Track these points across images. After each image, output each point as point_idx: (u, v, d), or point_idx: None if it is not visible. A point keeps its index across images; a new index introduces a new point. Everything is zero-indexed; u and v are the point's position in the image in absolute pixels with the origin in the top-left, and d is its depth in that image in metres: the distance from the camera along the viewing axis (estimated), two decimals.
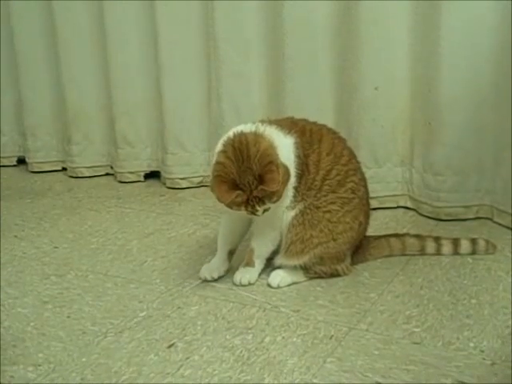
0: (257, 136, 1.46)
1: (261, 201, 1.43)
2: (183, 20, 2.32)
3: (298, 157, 1.50)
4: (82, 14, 2.50)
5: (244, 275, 1.57)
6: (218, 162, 1.45)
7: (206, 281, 1.59)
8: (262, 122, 1.53)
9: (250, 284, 1.56)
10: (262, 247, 1.57)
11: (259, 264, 1.58)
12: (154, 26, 2.34)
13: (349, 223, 1.55)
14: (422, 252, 1.69)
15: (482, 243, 1.68)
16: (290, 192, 1.50)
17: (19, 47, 2.65)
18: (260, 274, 1.59)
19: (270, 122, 1.54)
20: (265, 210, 1.46)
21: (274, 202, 1.45)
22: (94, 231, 2.01)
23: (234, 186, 1.41)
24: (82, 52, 2.54)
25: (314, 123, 1.61)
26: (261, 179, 1.40)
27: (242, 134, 1.46)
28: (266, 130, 1.48)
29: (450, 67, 1.87)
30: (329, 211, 1.53)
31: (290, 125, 1.55)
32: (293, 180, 1.49)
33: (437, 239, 1.70)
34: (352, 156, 1.60)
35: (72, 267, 1.73)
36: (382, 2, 1.92)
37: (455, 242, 1.68)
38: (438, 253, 1.68)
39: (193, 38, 2.33)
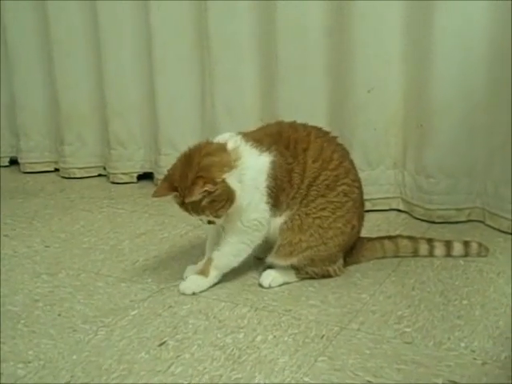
0: (217, 148, 1.48)
1: (193, 210, 1.45)
2: (177, 22, 2.32)
3: (272, 177, 1.49)
4: (75, 16, 2.51)
5: (192, 284, 1.53)
6: (175, 162, 1.51)
7: None
8: (244, 135, 1.53)
9: (193, 294, 1.52)
10: (222, 258, 1.53)
11: (216, 276, 1.54)
12: (148, 27, 2.35)
13: (340, 228, 1.54)
14: (415, 254, 1.69)
15: (474, 246, 1.69)
16: (261, 206, 1.49)
17: (12, 47, 2.65)
18: (210, 287, 1.54)
19: (250, 136, 1.52)
20: (209, 222, 1.49)
21: (214, 217, 1.46)
22: (86, 231, 2.00)
23: (174, 187, 1.45)
24: (76, 53, 2.54)
25: (304, 127, 1.59)
26: (187, 194, 1.42)
27: (206, 143, 1.51)
28: (241, 146, 1.48)
29: (443, 70, 1.88)
30: (319, 217, 1.52)
31: (275, 136, 1.54)
32: (264, 196, 1.48)
33: (430, 241, 1.70)
34: (343, 158, 1.58)
35: (63, 266, 1.72)
36: (375, 5, 1.93)
37: (448, 245, 1.69)
38: (431, 255, 1.69)
39: (186, 40, 2.34)
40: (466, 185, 1.95)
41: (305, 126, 1.60)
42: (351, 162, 1.61)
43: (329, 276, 1.58)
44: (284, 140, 1.54)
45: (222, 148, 1.48)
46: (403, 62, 1.97)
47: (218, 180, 1.43)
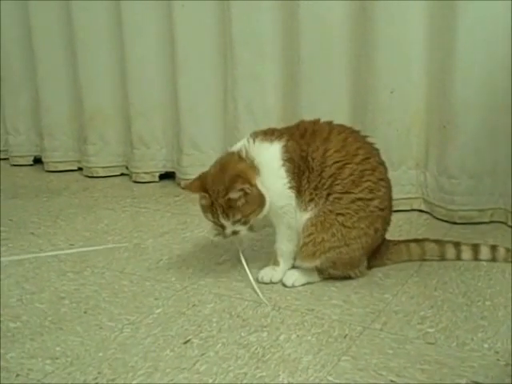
0: (241, 159, 1.53)
1: (224, 212, 1.48)
2: (199, 22, 2.34)
3: (288, 160, 1.52)
4: (99, 15, 2.54)
5: (267, 273, 1.59)
6: (208, 169, 1.58)
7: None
8: (252, 134, 1.58)
9: (271, 282, 1.57)
10: (281, 246, 1.59)
11: (283, 263, 1.59)
12: (171, 27, 2.37)
13: (363, 229, 1.53)
14: (442, 258, 1.67)
15: (502, 251, 1.66)
16: (286, 192, 1.52)
17: (37, 47, 2.70)
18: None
19: (260, 133, 1.57)
20: (234, 233, 1.52)
21: (242, 224, 1.50)
22: (110, 230, 2.03)
23: (204, 188, 1.51)
24: (100, 53, 2.58)
25: (328, 123, 1.60)
26: (227, 191, 1.47)
27: (231, 154, 1.56)
28: (250, 149, 1.54)
29: (465, 71, 1.88)
30: (342, 214, 1.51)
31: (291, 129, 1.58)
32: (285, 180, 1.51)
33: (457, 245, 1.67)
34: (371, 155, 1.57)
35: (88, 264, 1.75)
36: (398, 4, 1.94)
37: (475, 248, 1.67)
38: (458, 259, 1.67)
39: (209, 40, 2.36)
40: (489, 185, 1.94)
41: (330, 122, 1.61)
42: (381, 162, 1.59)
43: (350, 278, 1.59)
44: (300, 130, 1.57)
45: (242, 158, 1.54)
46: (426, 63, 1.97)
47: (253, 182, 1.49)
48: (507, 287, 1.52)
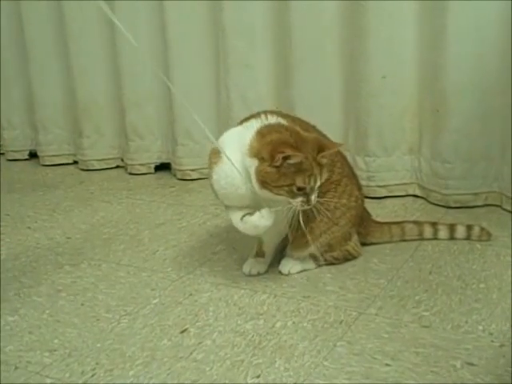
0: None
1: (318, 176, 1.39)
2: (191, 11, 2.33)
3: None
4: (91, 7, 2.52)
5: (254, 266, 1.58)
6: (277, 139, 1.38)
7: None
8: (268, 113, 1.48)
9: (259, 274, 1.57)
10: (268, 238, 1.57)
11: (268, 255, 1.59)
12: (163, 17, 2.36)
13: (346, 204, 1.56)
14: (421, 237, 1.72)
15: (476, 229, 1.71)
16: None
17: (29, 41, 2.68)
18: (269, 264, 1.59)
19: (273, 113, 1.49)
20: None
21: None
22: (106, 222, 2.03)
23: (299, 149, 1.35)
24: (92, 45, 2.56)
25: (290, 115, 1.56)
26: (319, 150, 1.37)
27: (280, 126, 1.42)
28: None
29: (457, 54, 1.87)
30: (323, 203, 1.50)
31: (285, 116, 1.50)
32: None
33: (433, 224, 1.73)
34: (312, 130, 1.52)
35: (85, 257, 1.75)
36: None
37: (451, 228, 1.72)
38: (435, 237, 1.71)
39: (201, 29, 2.35)
40: (483, 169, 1.95)
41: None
42: (315, 129, 1.56)
43: (350, 256, 1.61)
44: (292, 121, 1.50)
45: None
46: (417, 47, 1.96)
47: None
48: (501, 270, 1.53)
